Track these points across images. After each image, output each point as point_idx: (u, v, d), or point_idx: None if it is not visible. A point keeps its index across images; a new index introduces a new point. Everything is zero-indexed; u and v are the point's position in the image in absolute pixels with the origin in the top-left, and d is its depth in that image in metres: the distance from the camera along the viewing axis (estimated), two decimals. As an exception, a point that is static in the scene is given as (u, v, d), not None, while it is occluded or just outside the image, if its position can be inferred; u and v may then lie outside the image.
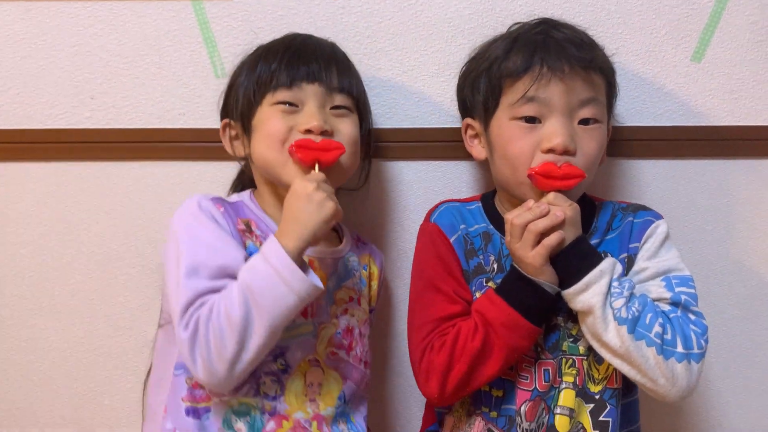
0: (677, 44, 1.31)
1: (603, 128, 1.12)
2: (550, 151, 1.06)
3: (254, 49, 1.19)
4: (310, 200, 1.00)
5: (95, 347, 1.37)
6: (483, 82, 1.13)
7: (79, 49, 1.30)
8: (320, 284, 0.99)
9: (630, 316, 1.01)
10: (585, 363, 1.10)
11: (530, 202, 1.06)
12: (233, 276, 0.99)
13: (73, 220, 1.34)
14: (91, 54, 1.30)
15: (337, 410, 1.11)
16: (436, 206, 1.21)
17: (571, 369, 1.10)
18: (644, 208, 1.18)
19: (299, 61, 1.10)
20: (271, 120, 1.09)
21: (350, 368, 1.15)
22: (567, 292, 1.05)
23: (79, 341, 1.37)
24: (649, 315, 1.02)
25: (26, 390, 1.39)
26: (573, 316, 1.09)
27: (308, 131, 1.07)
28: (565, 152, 1.06)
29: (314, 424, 1.08)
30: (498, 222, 1.17)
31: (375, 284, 1.24)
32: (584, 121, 1.09)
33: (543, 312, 1.07)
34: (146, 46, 1.30)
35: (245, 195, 1.17)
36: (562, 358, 1.10)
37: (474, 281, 1.14)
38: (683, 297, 1.06)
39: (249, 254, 1.05)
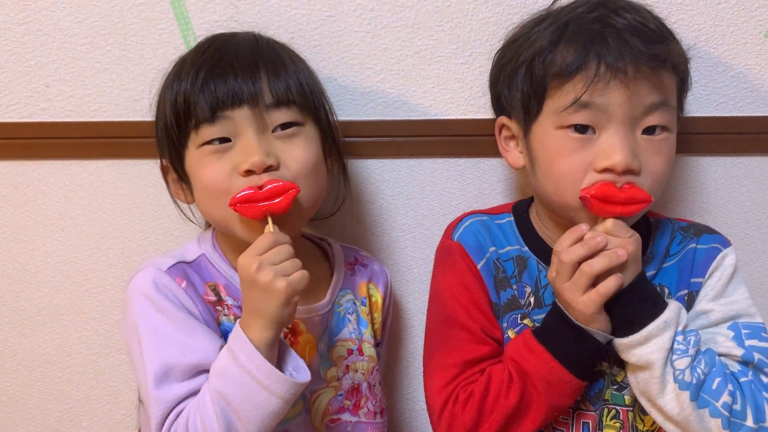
0: (749, 17, 1.10)
1: (672, 138, 0.92)
2: (606, 170, 0.88)
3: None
4: (255, 285, 0.84)
5: (67, 366, 1.26)
6: (523, 79, 0.93)
7: (29, 28, 1.13)
8: (306, 377, 0.86)
9: (694, 380, 0.86)
10: (630, 414, 0.96)
11: (583, 228, 0.88)
12: (209, 370, 0.87)
13: (36, 227, 1.21)
14: (44, 34, 1.13)
15: None
16: (459, 219, 1.04)
17: (614, 421, 0.96)
18: (709, 231, 1.01)
19: (216, 78, 0.89)
20: (203, 169, 0.91)
21: (362, 428, 1.01)
22: (620, 342, 0.89)
23: (50, 359, 1.26)
24: (718, 380, 0.86)
25: (-5, 411, 1.29)
26: (620, 361, 0.93)
27: (249, 171, 0.88)
28: (627, 172, 0.87)
29: None
30: (534, 243, 1.00)
31: (378, 316, 1.08)
32: (650, 130, 0.90)
33: (592, 364, 0.92)
34: (108, 23, 1.12)
35: (208, 242, 1.00)
36: (604, 409, 0.96)
37: (506, 317, 0.97)
38: (756, 355, 0.90)
39: (224, 333, 0.91)
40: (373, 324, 1.07)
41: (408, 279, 1.20)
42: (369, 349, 1.04)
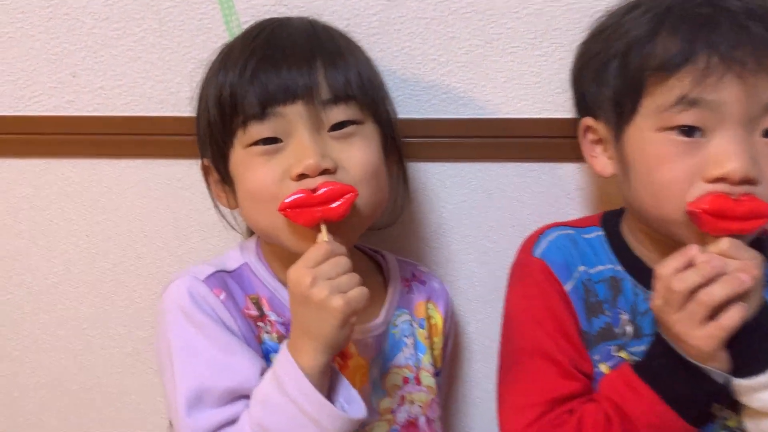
0: None
1: None
2: (719, 180, 0.77)
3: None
4: (308, 303, 0.76)
5: (91, 386, 1.20)
6: (615, 74, 0.83)
7: (55, 12, 1.06)
8: (361, 412, 0.78)
9: None
10: None
11: (693, 250, 0.77)
12: (248, 395, 0.79)
13: (58, 231, 1.14)
14: (71, 18, 1.06)
15: None
16: (541, 232, 0.93)
17: None
18: None
19: (268, 69, 0.82)
20: (250, 172, 0.83)
21: None
22: (741, 384, 0.77)
23: (71, 378, 1.20)
24: None
25: (12, 433, 1.23)
26: (733, 404, 0.82)
27: (302, 176, 0.80)
28: (744, 182, 0.77)
29: None
30: (630, 262, 0.89)
31: (438, 341, 0.99)
32: None
33: (706, 407, 0.81)
34: (142, 7, 1.05)
35: (252, 251, 0.93)
36: None
37: (597, 348, 0.86)
38: None
39: (266, 353, 0.84)
40: (432, 350, 0.98)
41: (469, 298, 1.10)
42: (427, 379, 0.95)
